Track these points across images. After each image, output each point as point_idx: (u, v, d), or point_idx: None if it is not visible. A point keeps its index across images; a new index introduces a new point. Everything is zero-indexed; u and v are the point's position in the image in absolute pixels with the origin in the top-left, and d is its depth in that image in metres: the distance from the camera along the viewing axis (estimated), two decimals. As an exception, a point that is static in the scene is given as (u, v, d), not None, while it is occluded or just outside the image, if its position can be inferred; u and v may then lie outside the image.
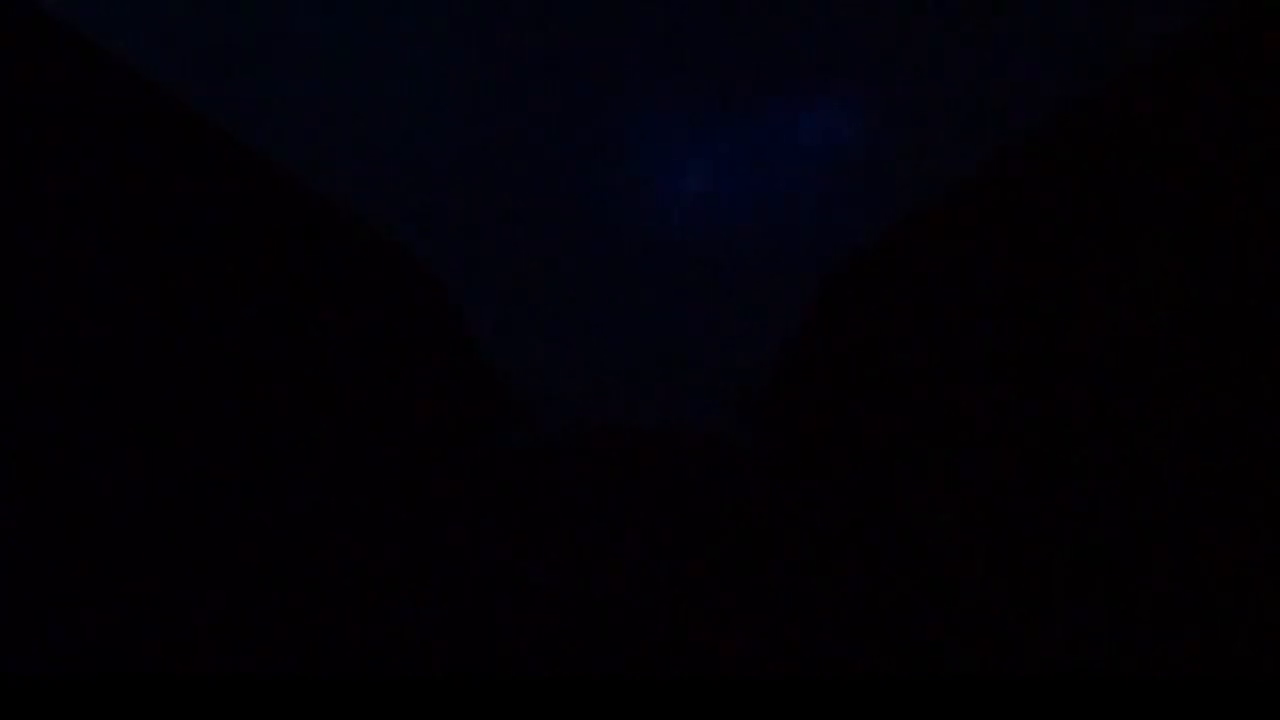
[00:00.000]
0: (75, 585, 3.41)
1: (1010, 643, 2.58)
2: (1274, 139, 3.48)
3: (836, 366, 12.10)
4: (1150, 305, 4.50)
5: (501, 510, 5.95)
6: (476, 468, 9.37)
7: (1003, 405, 6.20)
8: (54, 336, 4.43)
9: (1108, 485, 4.52)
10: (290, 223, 8.13)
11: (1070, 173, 5.67)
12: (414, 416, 10.88)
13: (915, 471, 7.92)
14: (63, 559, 3.82)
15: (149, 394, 5.04)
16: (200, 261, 6.17)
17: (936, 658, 2.44)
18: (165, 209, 5.92)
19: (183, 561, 3.97)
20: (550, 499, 6.59)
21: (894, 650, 2.53)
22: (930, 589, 3.33)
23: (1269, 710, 1.91)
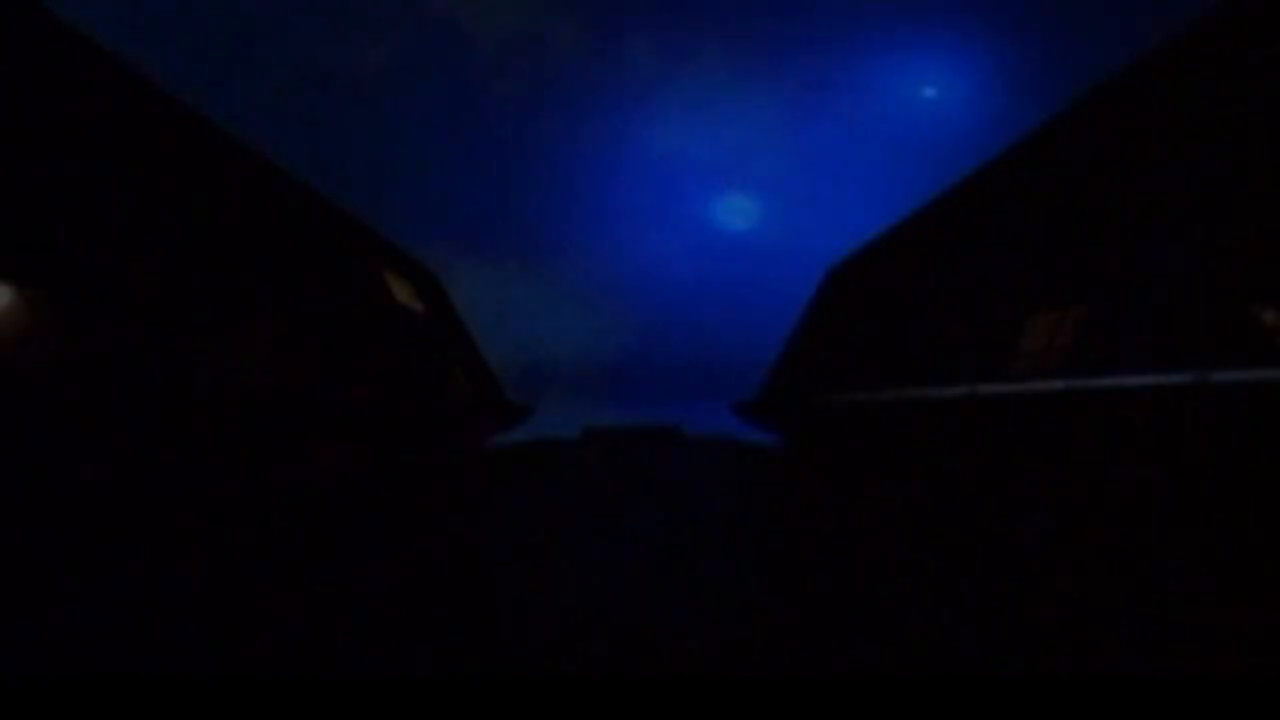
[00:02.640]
0: (74, 585, 3.41)
1: (1011, 643, 2.58)
2: None
3: (838, 362, 12.10)
4: (1159, 300, 4.50)
5: (500, 509, 5.95)
6: (476, 467, 9.36)
7: (1007, 402, 6.21)
8: (46, 332, 4.43)
9: (1111, 484, 4.51)
10: (289, 220, 8.13)
11: (1074, 169, 5.67)
12: (413, 416, 10.89)
13: (916, 469, 7.92)
14: (62, 559, 3.82)
15: (142, 392, 5.04)
16: (190, 258, 6.16)
17: (938, 657, 2.45)
18: (158, 205, 5.91)
19: (180, 562, 3.96)
20: (549, 498, 6.58)
21: (896, 649, 2.53)
22: (932, 587, 3.33)
23: (1269, 710, 1.92)
